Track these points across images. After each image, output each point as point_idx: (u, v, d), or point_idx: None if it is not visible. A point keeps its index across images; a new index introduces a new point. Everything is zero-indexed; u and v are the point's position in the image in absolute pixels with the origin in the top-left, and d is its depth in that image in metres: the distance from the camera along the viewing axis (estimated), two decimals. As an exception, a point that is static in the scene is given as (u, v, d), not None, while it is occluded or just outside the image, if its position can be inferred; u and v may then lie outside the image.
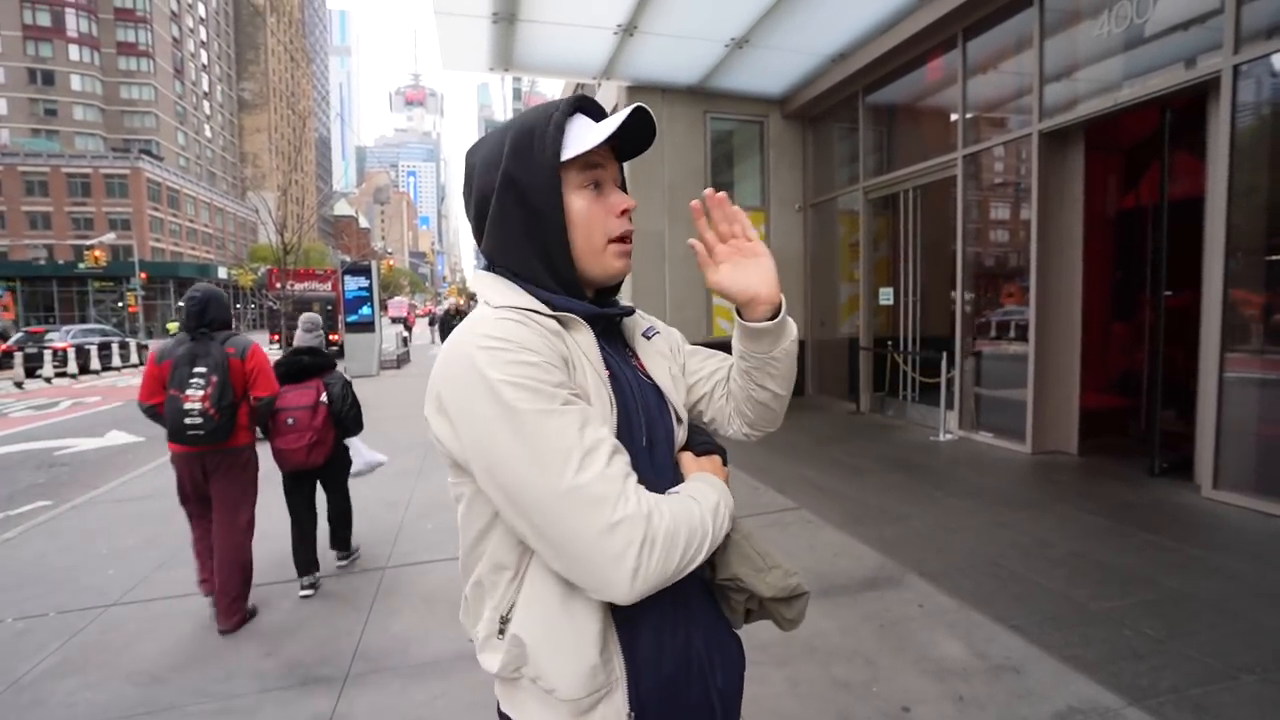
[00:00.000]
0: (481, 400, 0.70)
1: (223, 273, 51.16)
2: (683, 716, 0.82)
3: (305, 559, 3.37)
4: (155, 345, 3.87)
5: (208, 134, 70.80)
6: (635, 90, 8.41)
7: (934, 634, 2.67)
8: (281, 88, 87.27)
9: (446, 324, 7.32)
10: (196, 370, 2.85)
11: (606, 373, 0.82)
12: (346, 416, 3.46)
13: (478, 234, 0.87)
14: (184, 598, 3.30)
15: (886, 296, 7.66)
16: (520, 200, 0.81)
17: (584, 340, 0.82)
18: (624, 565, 0.67)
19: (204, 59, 70.44)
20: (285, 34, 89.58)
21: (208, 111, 70.89)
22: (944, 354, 6.35)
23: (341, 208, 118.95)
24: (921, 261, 7.13)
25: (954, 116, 6.39)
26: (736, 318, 0.92)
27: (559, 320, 0.81)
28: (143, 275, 38.37)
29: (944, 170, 6.51)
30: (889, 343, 7.60)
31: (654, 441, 0.86)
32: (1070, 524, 3.85)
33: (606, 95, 8.62)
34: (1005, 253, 6.40)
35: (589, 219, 0.83)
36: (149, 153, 54.06)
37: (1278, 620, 2.66)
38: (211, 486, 3.07)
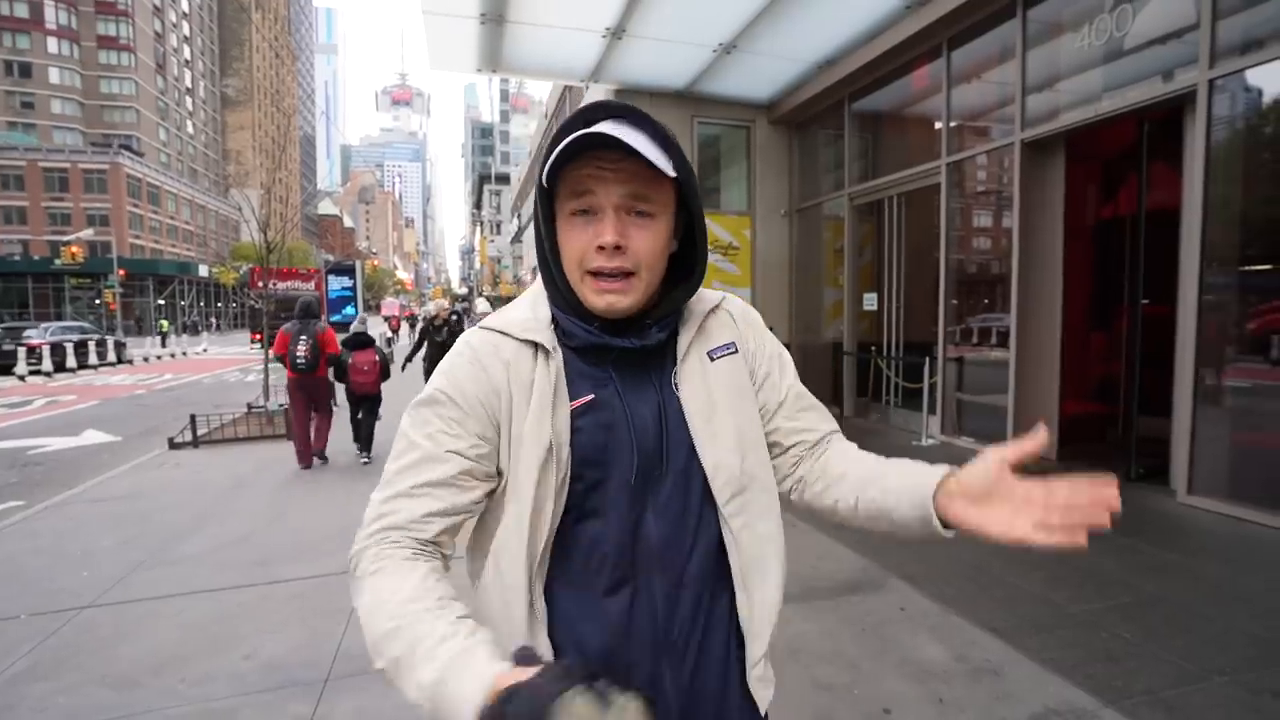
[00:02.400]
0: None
1: (204, 271, 50.46)
2: None
3: (364, 442, 6.27)
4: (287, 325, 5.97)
5: (190, 130, 69.91)
6: (623, 93, 8.42)
7: (915, 637, 2.70)
8: (266, 85, 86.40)
9: (427, 334, 6.64)
10: (302, 337, 5.82)
11: (575, 402, 0.80)
12: (386, 368, 6.37)
13: None
14: (164, 599, 3.24)
15: (870, 302, 7.73)
16: (532, 216, 0.85)
17: (549, 368, 0.80)
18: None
19: (187, 54, 69.56)
20: (270, 30, 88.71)
21: (190, 107, 70.00)
22: (926, 359, 6.42)
23: (326, 207, 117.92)
24: (905, 268, 7.21)
25: (938, 125, 6.48)
26: (931, 507, 0.76)
27: (534, 342, 0.81)
28: (121, 272, 37.67)
29: (928, 178, 6.59)
30: (872, 348, 7.66)
31: (651, 479, 0.81)
32: (1049, 528, 3.90)
33: (594, 98, 8.61)
34: (987, 260, 6.49)
35: (566, 248, 0.80)
36: (129, 148, 53.25)
37: (1248, 623, 2.72)
38: (310, 396, 6.03)
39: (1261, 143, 4.09)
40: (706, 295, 0.92)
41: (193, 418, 7.09)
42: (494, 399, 0.80)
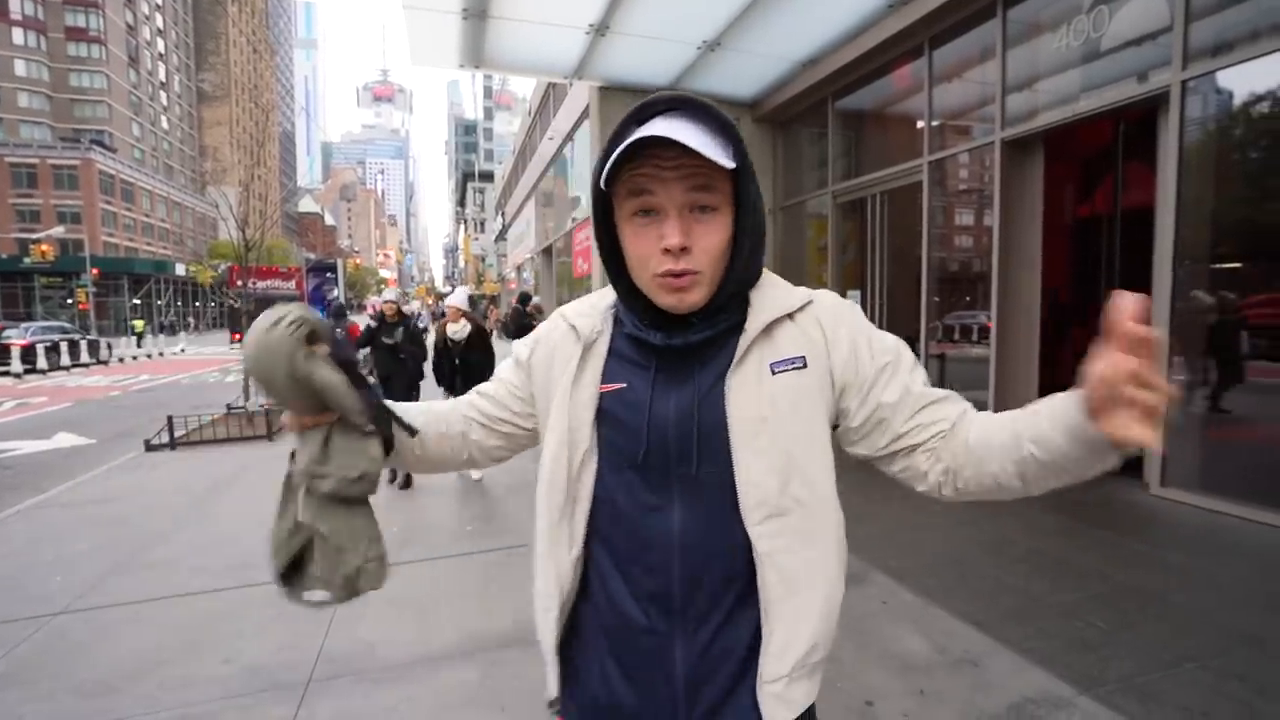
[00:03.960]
0: None
1: (180, 269, 49.59)
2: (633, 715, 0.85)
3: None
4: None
5: (165, 125, 68.59)
6: (607, 90, 8.42)
7: (897, 630, 2.73)
8: (244, 79, 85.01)
9: (374, 334, 6.29)
10: (336, 329, 6.52)
11: (605, 386, 0.85)
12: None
13: None
14: (140, 604, 3.19)
15: (854, 299, 7.80)
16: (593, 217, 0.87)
17: (590, 354, 0.87)
18: None
19: (160, 47, 68.21)
20: (247, 24, 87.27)
21: (165, 102, 68.67)
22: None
23: (306, 204, 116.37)
24: (888, 265, 7.27)
25: (920, 123, 6.54)
26: (1077, 413, 0.68)
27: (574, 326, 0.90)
28: (94, 271, 36.94)
29: (910, 176, 6.65)
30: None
31: (669, 477, 0.81)
32: (1028, 522, 3.97)
33: (578, 95, 8.60)
34: (969, 257, 6.57)
35: (632, 251, 0.80)
36: (101, 143, 52.15)
37: (1215, 609, 2.79)
38: None
39: (1231, 143, 4.18)
40: (788, 296, 0.86)
41: (170, 419, 6.97)
42: (536, 375, 0.93)
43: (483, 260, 48.25)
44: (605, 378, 0.85)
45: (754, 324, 0.82)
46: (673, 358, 0.83)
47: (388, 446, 0.89)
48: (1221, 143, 4.21)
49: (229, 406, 8.50)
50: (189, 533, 4.22)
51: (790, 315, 0.84)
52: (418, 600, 3.17)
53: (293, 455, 0.87)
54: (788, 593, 0.80)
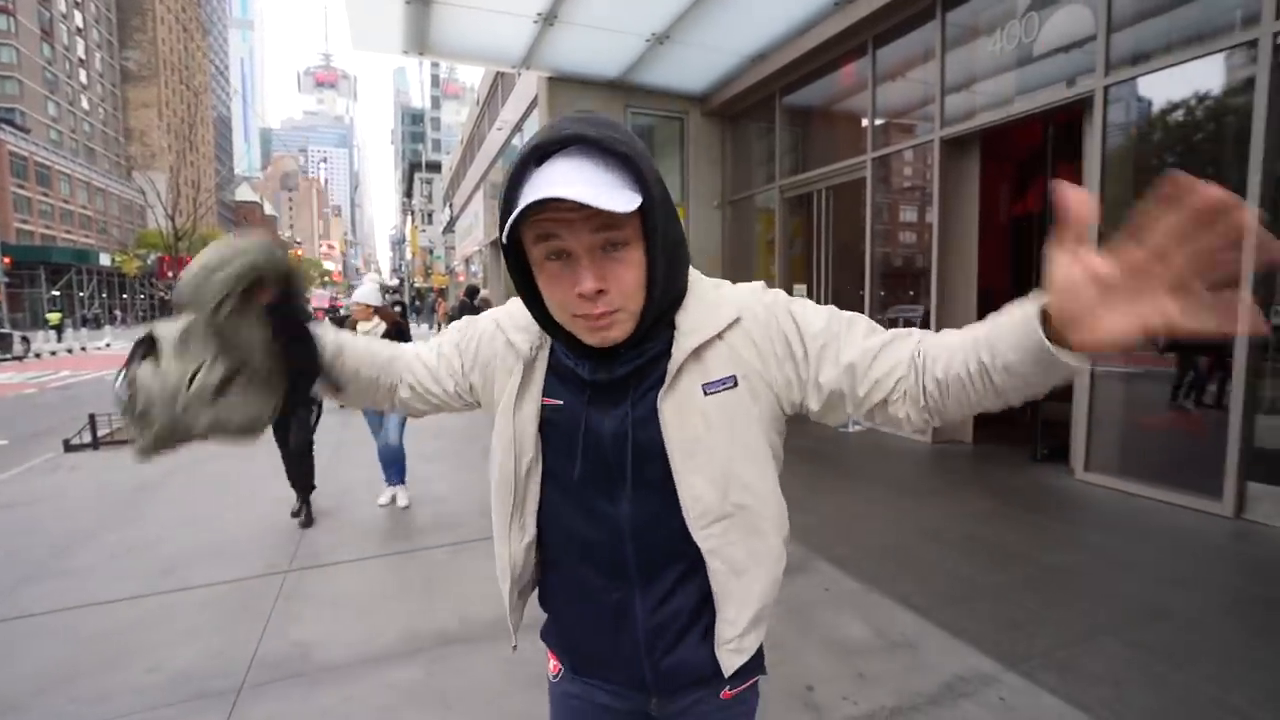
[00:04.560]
0: None
1: (105, 259, 46.74)
2: (606, 662, 0.95)
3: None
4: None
5: (85, 106, 64.28)
6: (556, 81, 8.32)
7: (839, 616, 2.80)
8: (173, 59, 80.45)
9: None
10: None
11: (547, 399, 0.88)
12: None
13: None
14: (52, 614, 2.99)
15: (801, 293, 7.94)
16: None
17: (532, 370, 0.89)
18: None
19: (78, 21, 63.83)
20: (176, 1, 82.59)
21: (84, 80, 64.34)
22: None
23: (244, 192, 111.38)
24: (833, 259, 7.44)
25: (864, 121, 6.70)
26: (1041, 333, 0.63)
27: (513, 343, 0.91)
28: (6, 260, 34.48)
29: (854, 172, 6.81)
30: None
31: (609, 486, 0.86)
32: (964, 508, 4.14)
33: (527, 85, 8.48)
34: (910, 253, 6.78)
35: (548, 295, 0.78)
36: (11, 123, 48.50)
37: (1132, 586, 2.97)
38: None
39: (1149, 147, 4.43)
40: (714, 314, 0.84)
41: (92, 417, 6.57)
42: (474, 366, 0.95)
43: (430, 253, 47.18)
44: (546, 391, 0.88)
45: (680, 350, 0.82)
46: (603, 384, 0.84)
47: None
48: (1140, 146, 4.46)
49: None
50: (112, 537, 3.99)
51: (719, 334, 0.83)
52: (357, 599, 3.08)
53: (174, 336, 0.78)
54: (734, 575, 0.87)
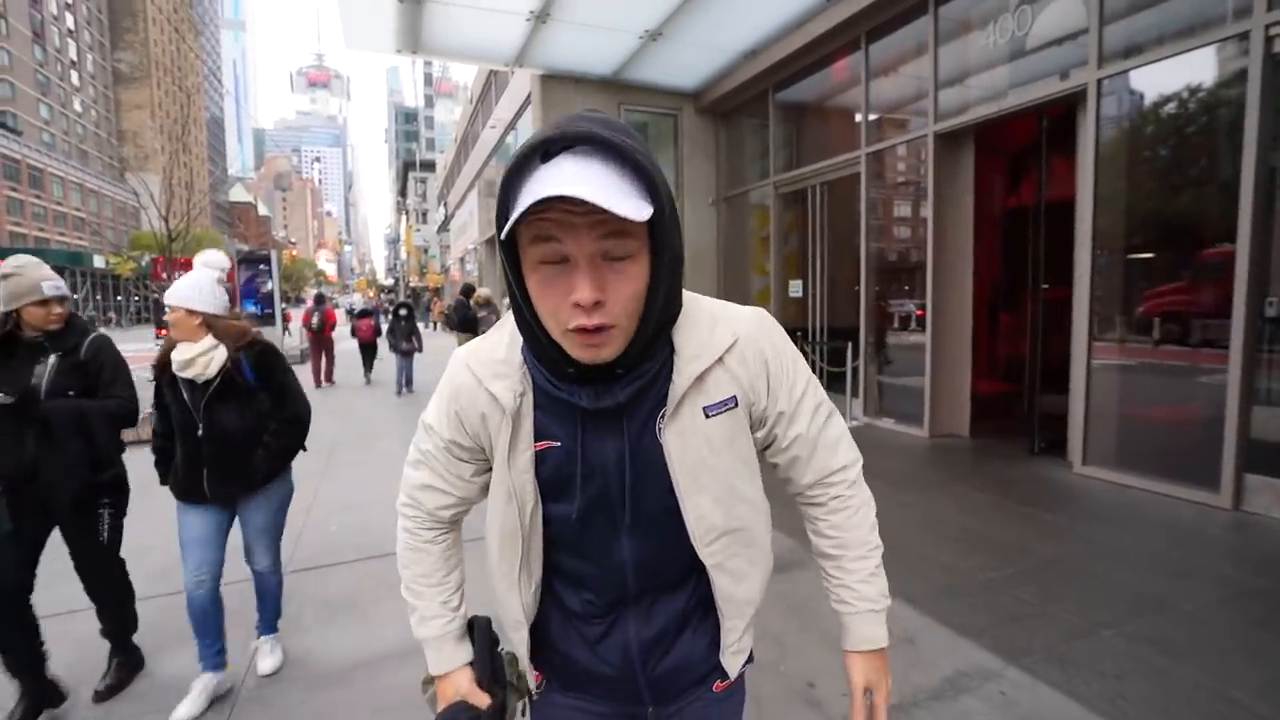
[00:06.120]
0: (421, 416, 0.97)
1: (99, 261, 46.50)
2: (604, 686, 0.95)
3: (367, 372, 11.43)
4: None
5: (77, 108, 63.97)
6: (549, 79, 8.29)
7: (838, 611, 2.79)
8: (165, 60, 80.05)
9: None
10: (316, 313, 10.78)
11: (539, 444, 0.84)
12: (379, 327, 10.23)
13: None
14: (47, 619, 2.96)
15: (796, 289, 7.94)
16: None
17: (520, 418, 0.84)
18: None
19: (70, 23, 63.47)
20: (167, 2, 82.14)
21: (76, 82, 64.01)
22: (849, 344, 6.65)
23: (238, 193, 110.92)
24: (828, 255, 7.43)
25: (858, 116, 6.68)
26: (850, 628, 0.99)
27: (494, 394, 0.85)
28: None
29: (849, 167, 6.80)
30: (798, 333, 7.88)
31: (610, 517, 0.85)
32: (962, 501, 4.14)
33: (520, 83, 8.44)
34: (905, 248, 6.77)
35: (540, 303, 0.73)
36: (4, 125, 48.25)
37: (1129, 578, 2.97)
38: (321, 346, 10.97)
39: (1143, 140, 4.43)
40: (711, 336, 0.83)
41: (85, 421, 6.51)
42: (476, 438, 0.89)
43: (425, 252, 47.07)
44: (538, 435, 0.84)
45: (684, 376, 0.81)
46: (603, 413, 0.81)
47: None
48: (1133, 139, 4.45)
49: (154, 406, 8.02)
50: (106, 542, 3.96)
51: (719, 359, 0.83)
52: (355, 602, 3.07)
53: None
54: (736, 584, 0.91)
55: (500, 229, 0.69)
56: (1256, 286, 3.66)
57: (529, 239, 0.70)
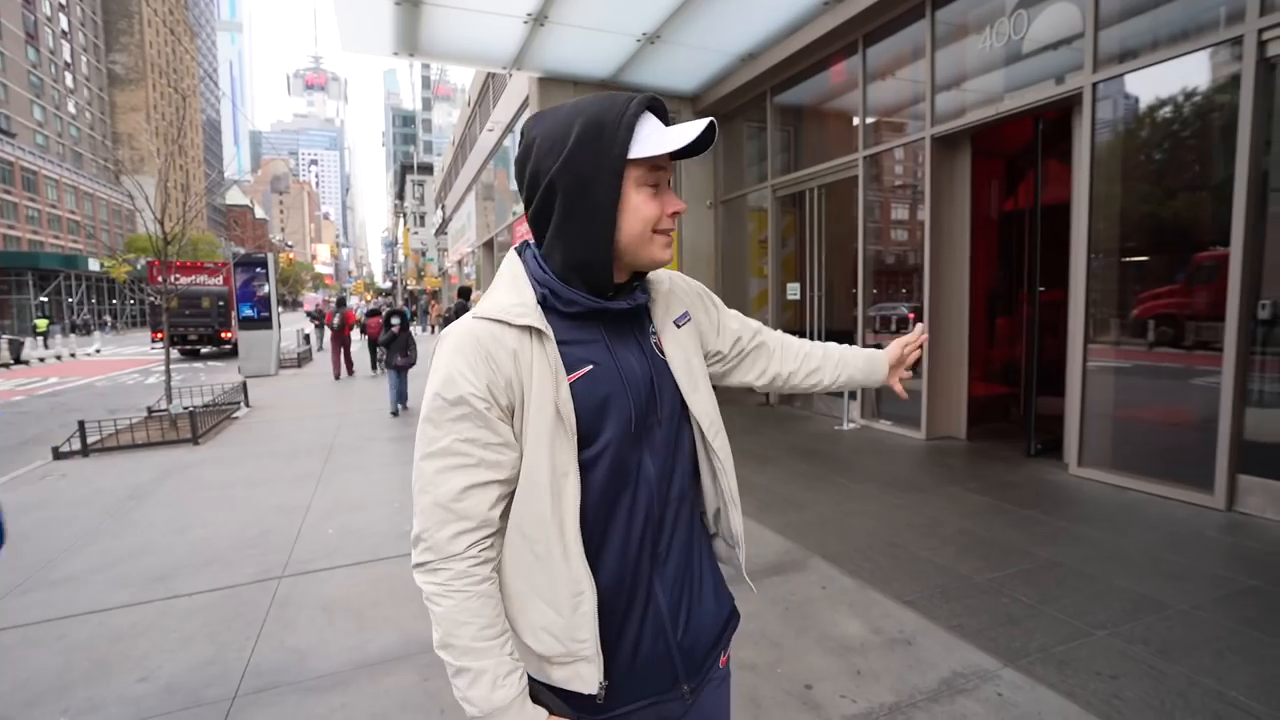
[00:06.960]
0: (423, 418, 0.89)
1: (94, 264, 46.29)
2: (641, 672, 0.94)
3: (376, 365, 12.23)
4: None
5: (71, 109, 63.66)
6: (547, 82, 8.30)
7: (835, 613, 2.80)
8: (160, 62, 79.83)
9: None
10: (338, 314, 12.80)
11: (572, 376, 0.89)
12: (388, 323, 8.01)
13: (527, 206, 0.93)
14: (42, 624, 2.96)
15: (794, 291, 7.96)
16: (576, 189, 0.86)
17: (545, 350, 0.87)
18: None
19: (64, 24, 63.18)
20: (163, 3, 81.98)
21: (71, 84, 63.71)
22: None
23: (234, 196, 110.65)
24: (826, 257, 7.45)
25: (855, 119, 6.71)
26: (878, 364, 1.27)
27: (530, 328, 0.87)
28: (-6, 266, 34.11)
29: (846, 170, 6.82)
30: (795, 335, 7.87)
31: (647, 425, 0.94)
32: (959, 503, 4.15)
33: (518, 86, 8.45)
34: (903, 250, 6.79)
35: (643, 214, 0.90)
36: (-2, 128, 48.04)
37: (1125, 580, 2.98)
38: (341, 343, 12.62)
39: (1138, 143, 4.45)
40: (661, 273, 1.06)
41: (81, 424, 6.50)
42: (508, 389, 0.87)
43: (423, 254, 47.00)
44: (569, 369, 0.89)
45: (659, 295, 1.03)
46: (617, 326, 0.95)
47: None
48: (1128, 143, 4.48)
49: (150, 410, 8.01)
50: (101, 545, 3.95)
51: (669, 287, 1.06)
52: (353, 604, 3.06)
53: None
54: (728, 475, 1.05)
55: (623, 154, 0.85)
56: (1249, 289, 3.69)
57: (648, 167, 0.88)
